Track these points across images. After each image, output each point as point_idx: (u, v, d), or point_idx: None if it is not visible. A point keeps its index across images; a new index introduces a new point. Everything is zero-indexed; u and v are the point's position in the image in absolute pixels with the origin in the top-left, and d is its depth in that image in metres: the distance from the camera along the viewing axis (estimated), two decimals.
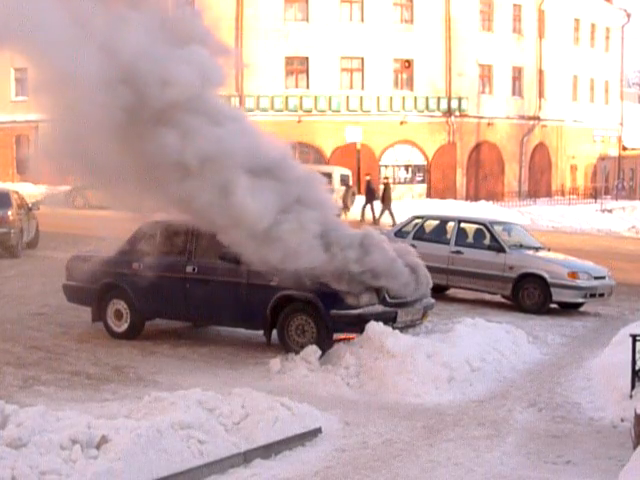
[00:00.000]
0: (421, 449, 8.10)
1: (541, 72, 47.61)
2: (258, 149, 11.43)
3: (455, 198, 41.06)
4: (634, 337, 9.36)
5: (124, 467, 6.56)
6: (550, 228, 33.05)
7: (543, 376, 11.02)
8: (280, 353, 11.09)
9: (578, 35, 51.84)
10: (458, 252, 16.29)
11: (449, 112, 43.16)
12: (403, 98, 42.39)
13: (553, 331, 13.88)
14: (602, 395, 9.82)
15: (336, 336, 11.30)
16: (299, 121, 40.76)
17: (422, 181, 43.62)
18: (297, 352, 10.93)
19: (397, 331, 10.75)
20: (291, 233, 10.87)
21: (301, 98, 41.20)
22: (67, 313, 13.72)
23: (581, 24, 52.03)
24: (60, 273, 13.53)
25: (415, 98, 42.64)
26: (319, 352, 10.77)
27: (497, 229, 16.56)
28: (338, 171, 35.49)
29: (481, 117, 44.53)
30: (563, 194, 47.85)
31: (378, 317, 10.93)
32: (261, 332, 11.76)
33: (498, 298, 16.33)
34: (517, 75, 46.61)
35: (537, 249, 16.59)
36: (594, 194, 48.09)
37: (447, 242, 16.55)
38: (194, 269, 11.92)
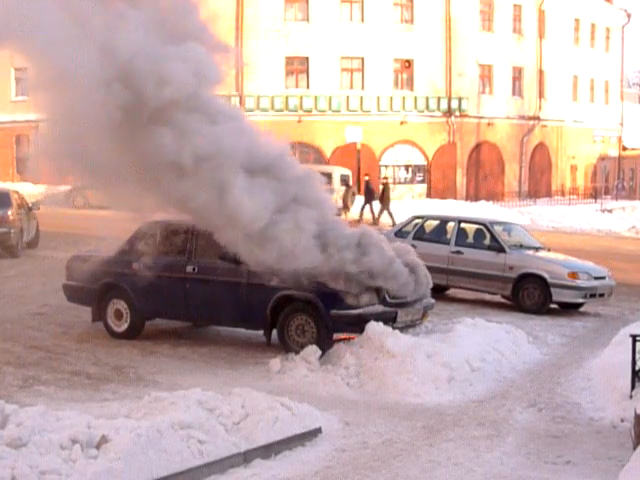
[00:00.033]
0: (421, 449, 8.10)
1: (541, 72, 47.62)
2: (255, 148, 11.37)
3: (455, 198, 41.06)
4: (634, 337, 9.36)
5: (124, 467, 6.56)
6: (550, 228, 33.05)
7: (543, 376, 11.02)
8: (280, 353, 11.09)
9: (578, 35, 51.86)
10: (458, 252, 16.28)
11: (449, 112, 43.17)
12: (403, 98, 42.39)
13: (553, 331, 13.88)
14: (602, 395, 9.82)
15: (336, 336, 11.30)
16: (299, 121, 40.76)
17: (422, 181, 43.63)
18: (297, 352, 10.92)
19: (397, 331, 10.75)
20: (287, 233, 10.84)
21: (301, 98, 41.20)
22: (67, 313, 13.72)
23: (581, 24, 52.05)
24: (60, 273, 13.53)
25: (415, 98, 42.65)
26: (319, 352, 10.77)
27: (497, 229, 16.56)
28: (338, 171, 35.49)
29: (481, 117, 44.53)
30: (563, 194, 47.87)
31: (378, 317, 10.93)
32: (261, 332, 11.76)
33: (498, 298, 16.33)
34: (517, 75, 46.62)
35: (537, 249, 16.59)
36: (594, 194, 48.11)
37: (447, 242, 16.55)
38: (194, 269, 11.92)
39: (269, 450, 7.71)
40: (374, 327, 10.67)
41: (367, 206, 32.63)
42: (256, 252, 11.00)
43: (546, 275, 15.42)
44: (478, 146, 44.75)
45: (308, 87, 41.53)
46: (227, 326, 12.57)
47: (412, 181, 43.60)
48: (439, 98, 42.98)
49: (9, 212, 20.32)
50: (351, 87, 42.13)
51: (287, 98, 41.07)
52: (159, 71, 10.71)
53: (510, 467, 7.68)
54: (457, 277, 16.30)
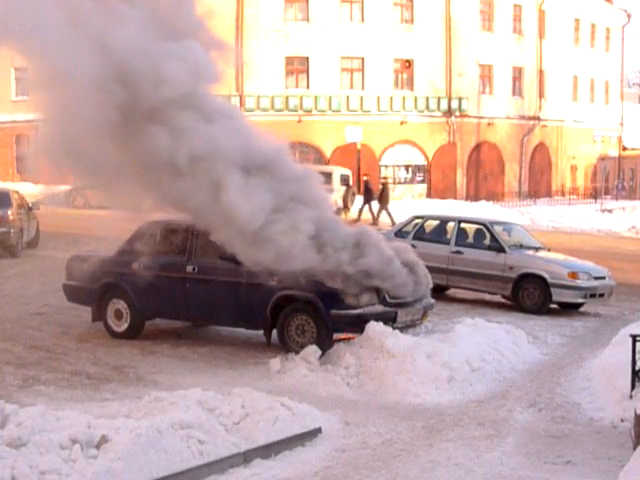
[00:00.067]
0: (421, 449, 8.10)
1: (541, 72, 47.62)
2: (252, 147, 11.30)
3: (455, 198, 41.06)
4: (634, 337, 9.35)
5: (124, 467, 6.56)
6: (550, 228, 33.05)
7: (543, 376, 11.02)
8: (280, 353, 11.09)
9: (578, 35, 51.87)
10: (458, 252, 16.28)
11: (449, 112, 43.17)
12: (403, 98, 42.39)
13: (553, 331, 13.88)
14: (602, 395, 9.82)
15: (336, 336, 11.30)
16: (299, 121, 40.76)
17: (422, 181, 43.63)
18: (297, 352, 10.92)
19: (397, 331, 10.74)
20: (283, 234, 10.80)
21: (301, 98, 41.20)
22: (67, 313, 13.72)
23: (581, 24, 52.07)
24: (60, 273, 13.53)
25: (415, 98, 42.65)
26: (319, 352, 10.77)
27: (497, 229, 16.56)
28: (338, 171, 35.48)
29: (481, 117, 44.53)
30: (563, 194, 47.87)
31: (378, 317, 10.92)
32: (261, 332, 11.75)
33: (498, 298, 16.33)
34: (517, 75, 46.62)
35: (537, 249, 16.59)
36: (594, 194, 48.12)
37: (447, 242, 16.55)
38: (194, 269, 11.92)
39: (269, 450, 7.71)
40: (374, 327, 10.66)
41: (366, 206, 32.64)
42: (252, 252, 10.98)
43: (546, 275, 15.42)
44: (478, 146, 44.76)
45: (308, 87, 41.53)
46: (227, 326, 12.57)
47: (412, 181, 43.60)
48: (439, 98, 42.98)
49: (9, 212, 20.32)
50: (351, 87, 42.13)
51: (287, 98, 41.07)
52: (156, 70, 10.67)
53: (510, 467, 7.67)
54: (457, 277, 16.30)
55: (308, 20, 41.39)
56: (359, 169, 38.27)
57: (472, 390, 10.16)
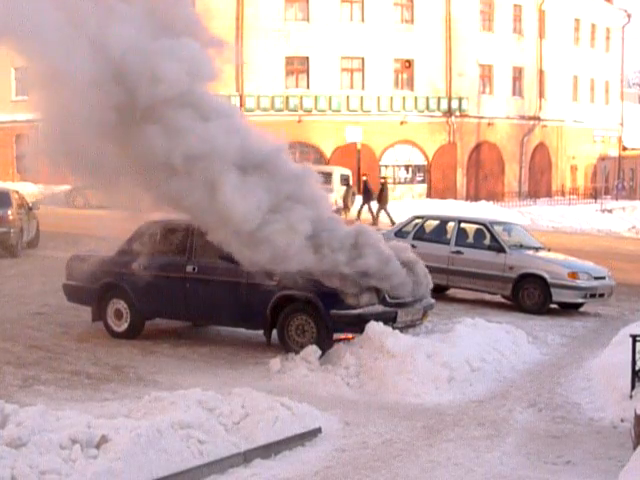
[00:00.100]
0: (421, 449, 8.10)
1: (541, 72, 47.62)
2: (249, 145, 11.21)
3: (455, 198, 41.07)
4: (634, 337, 9.35)
5: (124, 467, 6.56)
6: (550, 228, 33.05)
7: (543, 376, 11.02)
8: (280, 353, 11.09)
9: (578, 35, 51.89)
10: (458, 252, 16.28)
11: (449, 112, 43.18)
12: (403, 98, 42.40)
13: (553, 331, 13.88)
14: (602, 395, 9.81)
15: (336, 336, 11.30)
16: (299, 121, 40.75)
17: (422, 181, 43.63)
18: (297, 352, 10.92)
19: (397, 331, 10.74)
20: (280, 234, 10.73)
21: (301, 98, 41.20)
22: (67, 313, 13.72)
23: (581, 24, 52.08)
24: (60, 273, 13.53)
25: (415, 98, 42.65)
26: (319, 352, 10.76)
27: (497, 229, 16.56)
28: (338, 171, 35.49)
29: (481, 117, 44.54)
30: (563, 194, 47.88)
31: (378, 317, 10.92)
32: (261, 332, 11.75)
33: (498, 298, 16.33)
34: (517, 75, 46.63)
35: (537, 249, 16.59)
36: (594, 194, 48.13)
37: (447, 242, 16.55)
38: (194, 269, 11.92)
39: (269, 450, 7.70)
40: (374, 327, 10.66)
41: (365, 206, 32.64)
42: (249, 252, 10.94)
43: (546, 275, 15.42)
44: (478, 146, 44.76)
45: (308, 87, 41.53)
46: (227, 326, 12.57)
47: (412, 181, 43.61)
48: (439, 98, 42.99)
49: (9, 212, 20.32)
50: (351, 87, 42.13)
51: (287, 98, 41.07)
52: (153, 69, 10.60)
53: (510, 467, 7.67)
54: (457, 277, 16.30)
55: (308, 20, 41.39)
56: (359, 169, 38.27)
57: (472, 390, 10.16)
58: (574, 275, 15.45)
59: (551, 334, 13.61)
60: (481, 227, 16.62)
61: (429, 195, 42.46)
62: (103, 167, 11.14)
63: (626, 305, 16.67)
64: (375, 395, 9.87)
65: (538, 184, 48.01)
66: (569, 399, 9.97)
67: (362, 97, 41.79)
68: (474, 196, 43.23)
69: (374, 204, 32.42)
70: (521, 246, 16.44)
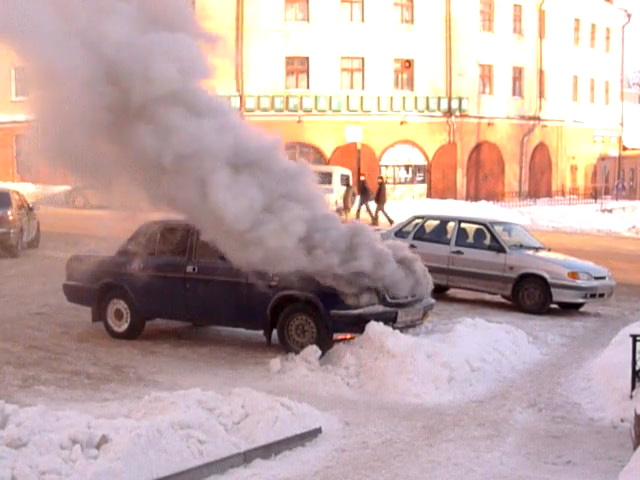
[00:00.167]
0: (421, 449, 8.10)
1: (541, 72, 47.62)
2: (242, 143, 11.09)
3: (455, 198, 41.08)
4: (634, 337, 9.35)
5: (124, 467, 6.56)
6: (550, 228, 33.05)
7: (543, 376, 11.02)
8: (280, 353, 11.09)
9: (578, 35, 51.88)
10: (458, 252, 16.28)
11: (449, 112, 43.18)
12: (403, 98, 42.40)
13: (553, 331, 13.88)
14: (602, 395, 9.81)
15: (336, 336, 11.30)
16: (299, 121, 40.76)
17: (422, 181, 43.63)
18: (297, 352, 10.92)
19: (397, 331, 10.73)
20: (273, 235, 10.64)
21: (301, 98, 41.20)
22: (67, 313, 13.72)
23: (581, 24, 52.07)
24: (60, 273, 13.53)
25: (415, 98, 42.65)
26: (319, 352, 10.76)
27: (497, 229, 16.56)
28: (338, 171, 35.49)
29: (481, 117, 44.54)
30: (563, 194, 47.89)
31: (378, 317, 10.92)
32: (261, 332, 11.75)
33: (498, 298, 16.33)
34: (517, 75, 46.62)
35: (537, 249, 16.59)
36: (594, 194, 48.14)
37: (447, 242, 16.55)
38: (194, 269, 11.92)
39: (269, 450, 7.71)
40: (374, 327, 10.66)
41: (363, 206, 32.64)
42: (241, 253, 10.88)
43: (546, 275, 15.42)
44: (478, 146, 44.76)
45: (308, 87, 41.53)
46: (227, 326, 12.57)
47: (412, 181, 43.61)
48: (439, 98, 42.99)
49: (9, 212, 20.33)
50: (351, 87, 42.13)
51: (287, 98, 41.07)
52: (145, 68, 10.50)
53: (510, 467, 7.67)
54: (457, 277, 16.30)
55: (308, 20, 41.39)
56: (359, 169, 38.27)
57: (472, 390, 10.16)
58: (574, 275, 15.45)
59: (551, 334, 13.61)
60: (481, 227, 16.62)
61: (429, 195, 42.47)
62: (100, 167, 11.11)
63: (626, 305, 16.66)
64: (375, 395, 9.87)
65: (538, 184, 48.01)
66: (569, 399, 9.97)
67: (362, 97, 41.80)
68: (474, 196, 43.23)
69: (372, 204, 32.41)
70: (521, 246, 16.44)
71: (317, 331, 11.14)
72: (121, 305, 12.36)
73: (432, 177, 43.37)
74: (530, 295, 15.57)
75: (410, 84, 42.82)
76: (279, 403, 8.25)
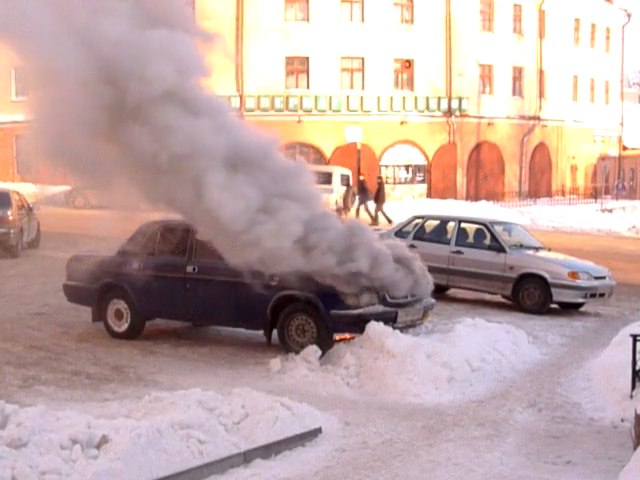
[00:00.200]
0: (421, 449, 8.10)
1: (541, 72, 47.61)
2: (238, 142, 11.05)
3: (455, 198, 41.06)
4: (634, 337, 9.36)
5: (124, 467, 6.56)
6: (550, 228, 33.05)
7: (543, 376, 11.02)
8: (280, 353, 11.09)
9: (578, 35, 51.88)
10: (458, 252, 16.28)
11: (449, 112, 43.17)
12: (403, 98, 42.39)
13: (553, 331, 13.88)
14: (602, 395, 9.81)
15: (336, 336, 11.29)
16: (299, 121, 40.76)
17: (422, 181, 43.62)
18: (297, 352, 10.92)
19: (397, 331, 10.73)
20: (269, 236, 10.60)
21: (301, 98, 41.19)
22: (67, 313, 13.72)
23: (581, 24, 52.06)
24: (60, 273, 13.53)
25: (415, 98, 42.64)
26: (319, 352, 10.76)
27: (497, 229, 16.56)
28: (338, 171, 35.49)
29: (481, 117, 44.53)
30: (563, 194, 47.88)
31: (378, 317, 10.92)
32: (261, 332, 11.75)
33: (498, 298, 16.33)
34: (517, 75, 46.62)
35: (537, 249, 16.59)
36: (594, 194, 48.13)
37: (447, 242, 16.55)
38: (194, 269, 11.92)
39: (269, 450, 7.71)
40: (374, 327, 10.66)
41: (362, 206, 32.65)
42: (238, 253, 10.87)
43: (546, 275, 15.42)
44: (478, 146, 44.76)
45: (308, 87, 41.52)
46: (227, 326, 12.57)
47: (412, 181, 43.60)
48: (439, 98, 42.98)
49: (9, 212, 20.33)
50: (351, 87, 42.12)
51: (287, 98, 41.06)
52: (142, 68, 10.47)
53: (510, 467, 7.67)
54: (457, 277, 16.30)
55: (308, 20, 41.38)
56: (359, 169, 38.27)
57: (472, 390, 10.16)
58: (574, 275, 15.45)
59: (551, 334, 13.61)
60: (481, 227, 16.62)
61: (429, 195, 42.46)
62: (99, 166, 11.10)
63: (626, 305, 16.66)
64: (375, 395, 9.87)
65: (538, 184, 48.01)
66: (569, 399, 9.97)
67: (362, 97, 41.79)
68: (474, 196, 43.22)
69: (371, 204, 32.41)
70: (521, 246, 16.44)
71: (317, 331, 11.14)
72: (121, 305, 12.36)
73: (432, 177, 43.36)
74: (530, 295, 15.57)
75: (410, 84, 42.81)
76: (279, 403, 8.25)
